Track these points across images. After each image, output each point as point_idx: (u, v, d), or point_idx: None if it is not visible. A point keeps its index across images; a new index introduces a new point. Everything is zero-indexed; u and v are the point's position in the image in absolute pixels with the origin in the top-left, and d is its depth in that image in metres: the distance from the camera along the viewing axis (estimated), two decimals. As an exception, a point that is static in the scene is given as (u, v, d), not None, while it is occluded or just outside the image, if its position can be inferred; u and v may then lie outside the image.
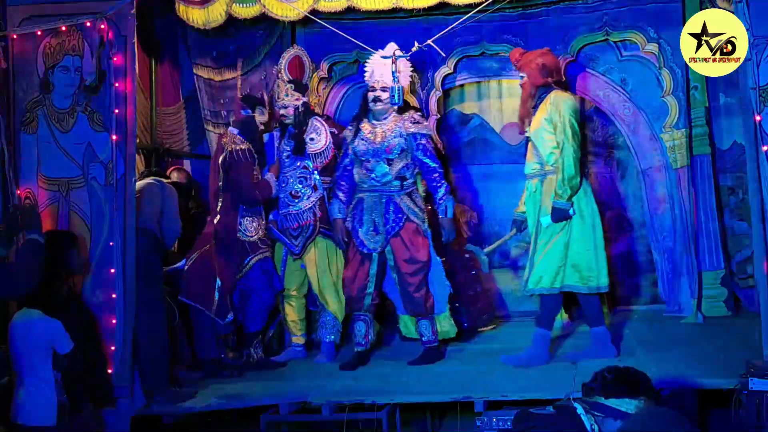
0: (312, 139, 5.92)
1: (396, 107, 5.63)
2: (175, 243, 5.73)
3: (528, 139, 5.42)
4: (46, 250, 4.18)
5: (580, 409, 3.07)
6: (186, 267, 5.64)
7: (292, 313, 6.05)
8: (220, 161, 5.75)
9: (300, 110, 5.91)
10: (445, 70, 6.58)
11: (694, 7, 5.97)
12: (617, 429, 2.95)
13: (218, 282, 5.57)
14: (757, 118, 4.41)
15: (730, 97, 6.27)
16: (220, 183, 5.76)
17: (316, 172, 5.91)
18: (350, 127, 5.76)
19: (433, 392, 4.97)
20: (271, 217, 5.99)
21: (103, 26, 4.97)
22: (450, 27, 5.67)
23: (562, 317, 5.95)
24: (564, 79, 5.96)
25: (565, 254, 5.19)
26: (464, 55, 6.59)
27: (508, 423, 4.24)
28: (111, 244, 4.91)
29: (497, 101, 6.80)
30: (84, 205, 4.97)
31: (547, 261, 5.21)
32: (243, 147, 5.75)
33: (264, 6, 5.84)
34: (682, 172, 6.22)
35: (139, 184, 5.29)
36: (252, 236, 5.79)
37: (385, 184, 5.61)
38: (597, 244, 5.24)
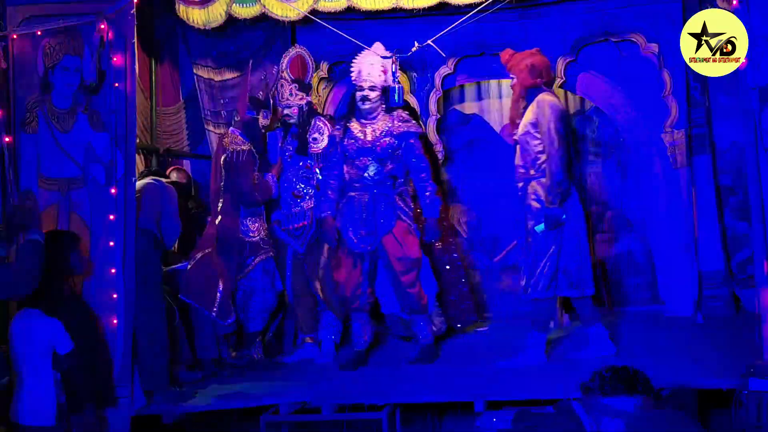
0: (315, 139, 5.92)
1: (384, 107, 5.64)
2: (175, 243, 5.73)
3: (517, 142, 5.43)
4: (46, 250, 4.19)
5: (579, 409, 3.08)
6: (189, 267, 5.64)
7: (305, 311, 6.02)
8: (221, 161, 5.76)
9: (304, 110, 5.92)
10: (445, 70, 6.57)
11: (694, 7, 5.97)
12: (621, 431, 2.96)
13: (221, 284, 5.57)
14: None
15: (730, 97, 6.26)
16: (221, 183, 5.76)
17: (318, 171, 5.91)
18: (338, 127, 5.77)
19: (433, 392, 4.98)
20: (274, 216, 6.00)
21: (103, 26, 4.97)
22: (450, 27, 5.66)
23: (561, 318, 5.98)
24: (555, 78, 5.96)
25: (557, 260, 5.23)
26: (464, 55, 6.59)
27: (508, 423, 4.25)
28: (111, 244, 4.91)
29: (497, 101, 6.78)
30: (84, 205, 4.97)
31: (544, 267, 5.23)
32: (244, 148, 5.75)
33: (264, 6, 5.86)
34: (682, 172, 6.21)
35: (139, 184, 5.30)
36: (254, 237, 5.80)
37: (377, 183, 5.62)
38: (582, 249, 5.27)
